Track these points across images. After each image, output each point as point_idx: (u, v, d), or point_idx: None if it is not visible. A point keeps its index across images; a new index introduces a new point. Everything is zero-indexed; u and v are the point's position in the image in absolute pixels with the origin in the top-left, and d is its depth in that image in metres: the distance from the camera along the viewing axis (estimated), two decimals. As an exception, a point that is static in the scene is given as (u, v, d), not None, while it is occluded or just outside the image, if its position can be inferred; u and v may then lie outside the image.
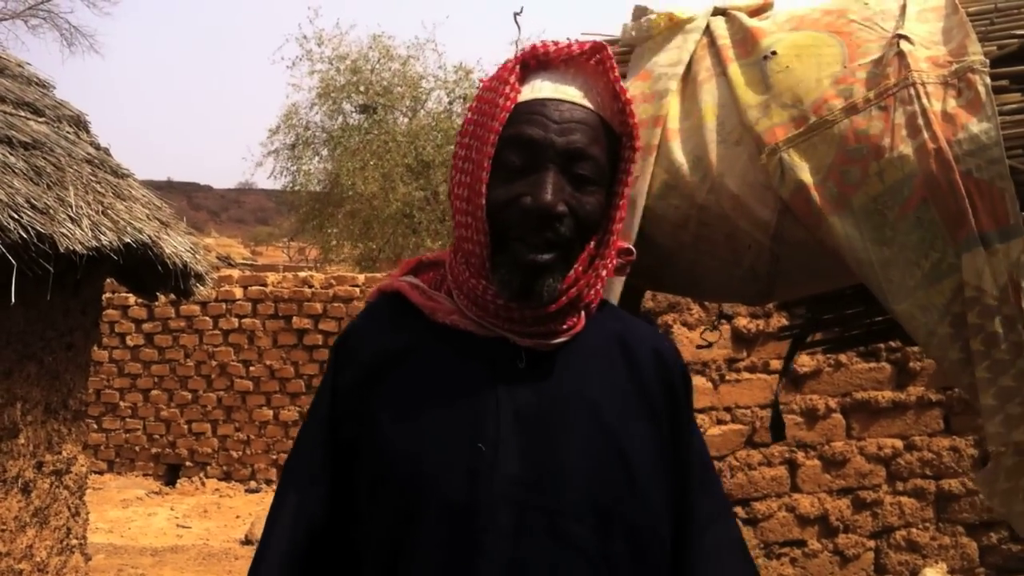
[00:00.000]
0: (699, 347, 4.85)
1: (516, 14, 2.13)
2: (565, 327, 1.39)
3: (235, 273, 11.24)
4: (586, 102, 1.37)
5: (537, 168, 1.33)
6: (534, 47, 1.39)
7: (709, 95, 1.99)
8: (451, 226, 1.47)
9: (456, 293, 1.41)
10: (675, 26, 2.15)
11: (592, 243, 1.39)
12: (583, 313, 1.41)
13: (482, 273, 1.37)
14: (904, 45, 1.79)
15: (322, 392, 1.46)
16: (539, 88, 1.37)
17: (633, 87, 2.12)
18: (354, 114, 18.42)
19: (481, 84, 1.44)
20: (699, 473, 1.48)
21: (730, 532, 1.51)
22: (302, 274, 11.56)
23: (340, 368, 1.44)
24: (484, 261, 1.36)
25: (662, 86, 2.06)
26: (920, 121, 1.69)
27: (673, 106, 2.04)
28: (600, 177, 1.37)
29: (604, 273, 1.42)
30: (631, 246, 1.50)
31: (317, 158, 18.73)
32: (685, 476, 1.45)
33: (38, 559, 4.14)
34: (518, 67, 1.37)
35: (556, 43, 1.39)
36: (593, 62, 1.39)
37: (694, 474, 1.47)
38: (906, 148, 1.69)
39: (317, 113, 18.49)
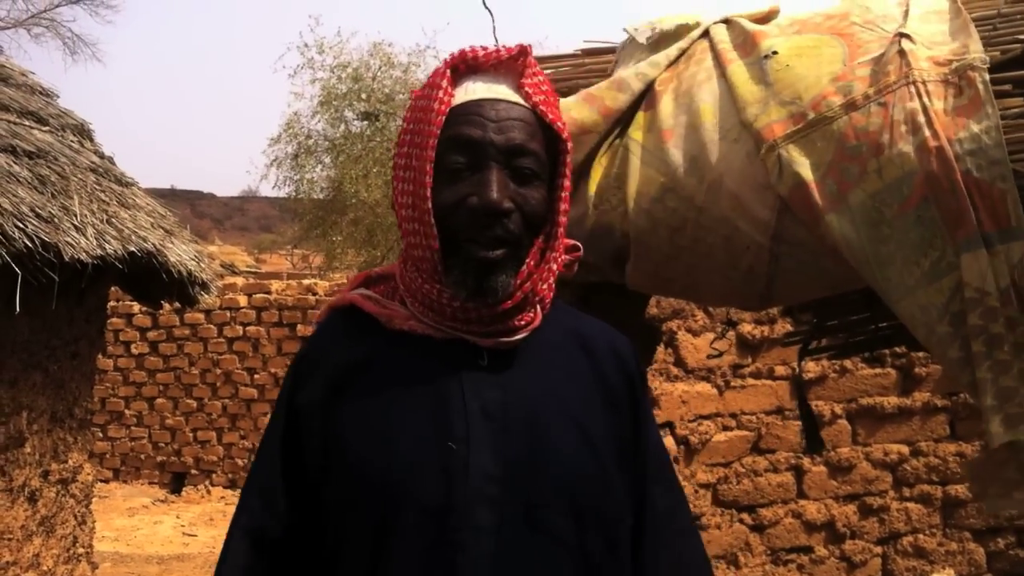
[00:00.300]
0: (710, 356, 4.85)
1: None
2: (522, 323, 1.40)
3: (239, 281, 11.26)
4: (519, 100, 1.39)
5: (480, 167, 1.34)
6: (463, 52, 1.41)
7: (707, 94, 1.99)
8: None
9: (410, 300, 1.42)
10: (681, 31, 2.16)
11: (540, 238, 1.40)
12: (539, 308, 1.43)
13: (435, 277, 1.37)
14: (906, 44, 1.79)
15: (278, 412, 1.44)
16: (472, 90, 1.38)
17: (596, 89, 2.12)
18: (356, 122, 18.43)
19: (412, 94, 1.45)
20: (657, 464, 1.50)
21: (687, 524, 1.54)
22: (306, 281, 11.58)
23: (298, 387, 1.43)
24: (436, 265, 1.36)
25: (628, 84, 2.07)
26: (921, 119, 1.69)
27: (666, 104, 2.04)
28: (542, 171, 1.38)
29: (555, 267, 1.43)
30: (577, 242, 1.51)
31: (320, 166, 18.74)
32: (644, 467, 1.47)
33: (45, 568, 4.13)
34: (449, 72, 1.39)
35: (484, 48, 1.41)
36: (519, 63, 1.41)
37: (653, 465, 1.49)
38: (906, 146, 1.69)
39: (319, 121, 18.52)
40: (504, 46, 1.42)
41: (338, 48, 18.44)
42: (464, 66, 1.40)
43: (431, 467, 1.32)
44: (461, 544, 1.30)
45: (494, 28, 2.33)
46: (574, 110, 2.05)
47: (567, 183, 1.44)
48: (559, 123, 1.41)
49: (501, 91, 1.38)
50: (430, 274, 1.38)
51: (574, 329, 1.50)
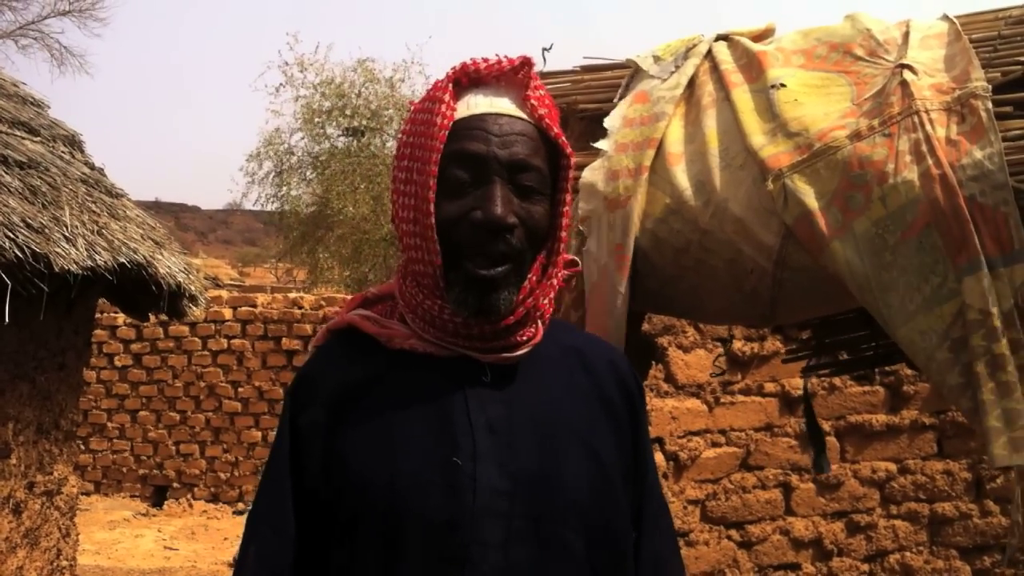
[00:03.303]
0: (713, 375, 4.86)
1: (545, 49, 2.21)
2: (524, 339, 1.39)
3: (224, 294, 11.21)
4: (522, 114, 1.38)
5: (483, 182, 1.33)
6: (464, 65, 1.40)
7: (713, 120, 2.00)
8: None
9: (411, 318, 1.41)
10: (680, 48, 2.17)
11: (543, 253, 1.40)
12: (540, 324, 1.42)
13: (436, 293, 1.36)
14: (907, 75, 1.81)
15: (281, 437, 1.42)
16: (474, 104, 1.38)
17: (631, 110, 2.13)
18: (340, 138, 18.33)
19: (412, 106, 1.44)
20: (652, 480, 1.51)
21: (672, 534, 1.56)
22: (292, 295, 11.54)
23: (299, 411, 1.41)
24: (438, 281, 1.35)
25: (660, 109, 2.08)
26: (924, 148, 1.71)
27: (675, 129, 2.05)
28: (544, 186, 1.37)
29: (555, 282, 1.42)
30: (575, 258, 1.51)
31: (304, 182, 18.64)
32: (642, 482, 1.48)
33: (27, 581, 4.09)
34: (451, 85, 1.38)
35: (486, 60, 1.41)
36: (520, 76, 1.41)
37: (649, 481, 1.50)
38: (910, 174, 1.70)
39: (303, 138, 18.41)
40: (506, 57, 1.41)
41: (319, 65, 18.39)
42: (466, 79, 1.39)
43: (437, 483, 1.32)
44: (469, 559, 1.29)
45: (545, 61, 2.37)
46: None
47: (568, 197, 1.43)
48: (561, 137, 1.41)
49: (504, 105, 1.38)
50: (431, 290, 1.37)
51: (573, 345, 1.50)
